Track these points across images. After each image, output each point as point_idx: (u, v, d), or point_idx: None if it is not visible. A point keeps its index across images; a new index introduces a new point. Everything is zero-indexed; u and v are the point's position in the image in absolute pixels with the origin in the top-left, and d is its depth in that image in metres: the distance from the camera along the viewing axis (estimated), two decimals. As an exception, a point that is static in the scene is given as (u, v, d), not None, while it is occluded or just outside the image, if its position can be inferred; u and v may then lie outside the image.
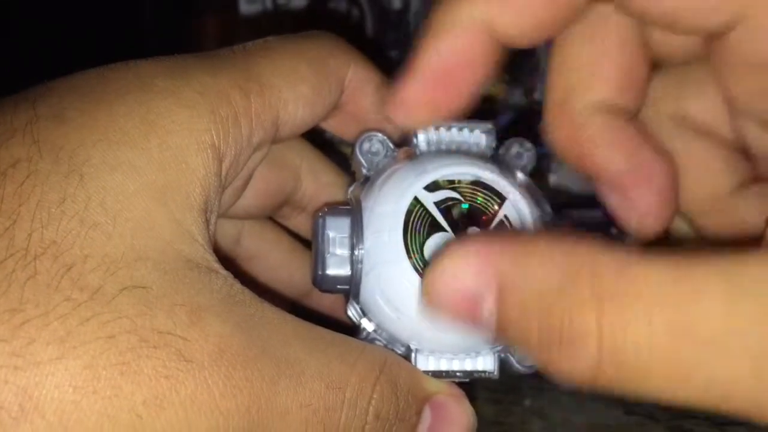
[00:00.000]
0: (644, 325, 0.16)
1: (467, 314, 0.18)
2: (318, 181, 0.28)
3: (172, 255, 0.20)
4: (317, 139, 0.29)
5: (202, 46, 0.24)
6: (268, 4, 0.52)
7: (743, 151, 0.22)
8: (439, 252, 0.18)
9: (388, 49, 0.54)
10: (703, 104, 0.22)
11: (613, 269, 0.16)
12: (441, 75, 0.21)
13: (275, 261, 0.29)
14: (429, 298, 0.18)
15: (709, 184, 0.22)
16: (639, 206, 0.21)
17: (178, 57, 0.23)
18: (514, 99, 0.52)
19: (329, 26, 0.51)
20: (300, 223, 0.30)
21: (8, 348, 0.17)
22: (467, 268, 0.17)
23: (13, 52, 0.49)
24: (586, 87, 0.21)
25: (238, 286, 0.21)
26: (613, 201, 0.22)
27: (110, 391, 0.17)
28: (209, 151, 0.21)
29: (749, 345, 0.15)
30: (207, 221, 0.21)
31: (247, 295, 0.21)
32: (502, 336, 0.18)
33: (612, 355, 0.16)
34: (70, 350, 0.17)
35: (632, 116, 0.22)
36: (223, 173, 0.22)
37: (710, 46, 0.19)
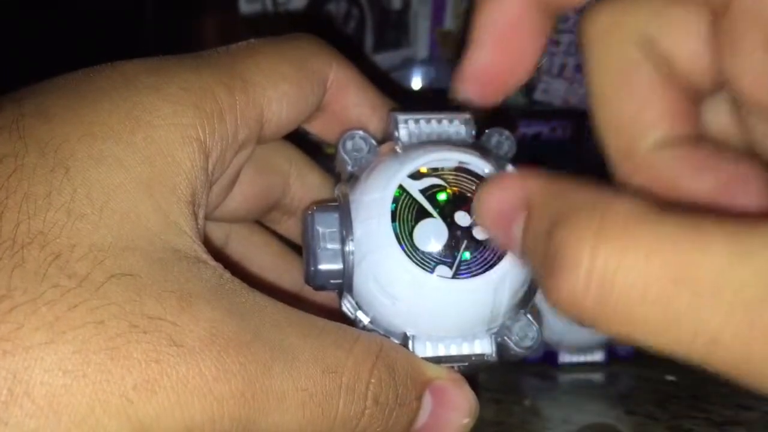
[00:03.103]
0: (640, 264, 0.16)
1: (503, 228, 0.19)
2: (306, 185, 0.28)
3: (159, 245, 0.20)
4: (303, 143, 0.29)
5: (202, 46, 0.24)
6: (268, 4, 0.52)
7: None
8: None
9: (388, 49, 0.54)
10: (714, 110, 0.22)
11: (623, 212, 0.16)
12: (503, 43, 0.21)
13: (263, 265, 0.29)
14: (477, 211, 0.21)
15: None
16: (749, 206, 0.21)
17: (162, 57, 0.23)
18: (515, 99, 0.52)
19: (329, 26, 0.52)
20: (289, 228, 0.30)
21: None
22: (508, 189, 0.19)
23: (13, 52, 0.49)
24: (642, 134, 0.21)
25: (227, 275, 0.21)
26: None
27: (100, 375, 0.17)
28: (195, 144, 0.21)
29: (745, 298, 0.15)
30: (195, 214, 0.21)
31: (237, 284, 0.21)
32: (523, 256, 0.19)
33: (599, 287, 0.16)
34: (59, 335, 0.17)
35: (697, 138, 0.21)
36: (210, 168, 0.22)
37: (713, 41, 0.19)
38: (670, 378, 0.37)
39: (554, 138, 0.49)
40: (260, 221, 0.30)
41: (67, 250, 0.18)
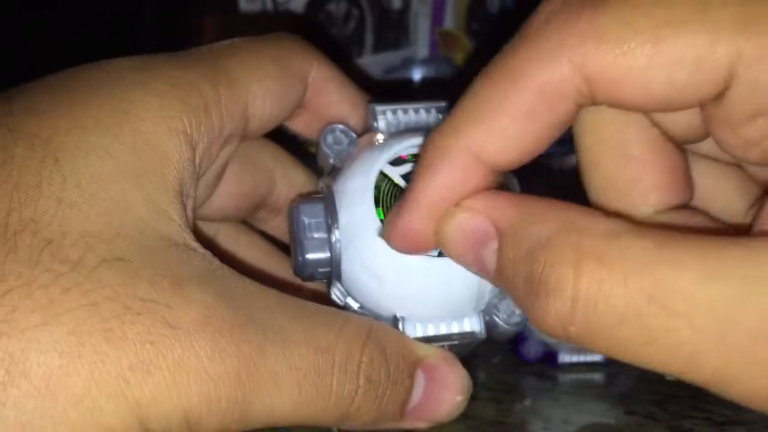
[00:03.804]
0: (619, 285, 0.16)
1: (473, 254, 0.20)
2: (291, 182, 0.29)
3: (149, 233, 0.20)
4: (286, 145, 0.29)
5: (202, 45, 0.25)
6: (268, 3, 0.52)
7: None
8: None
9: (388, 49, 0.54)
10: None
11: (600, 232, 0.17)
12: (436, 208, 0.21)
13: (250, 263, 0.30)
14: (439, 237, 0.20)
15: (722, 205, 0.22)
16: None
17: (148, 55, 0.24)
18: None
19: (328, 26, 0.51)
20: (276, 226, 0.30)
21: None
22: (478, 213, 0.20)
23: (13, 52, 0.49)
24: (640, 202, 0.21)
25: (217, 262, 0.21)
26: None
27: (96, 356, 0.18)
28: (181, 137, 0.22)
29: (718, 319, 0.16)
30: (183, 204, 0.22)
31: (226, 270, 0.21)
32: (499, 280, 0.19)
33: (584, 309, 0.17)
34: (54, 317, 0.18)
35: (690, 209, 0.22)
36: (197, 160, 0.22)
37: (707, 112, 0.19)
38: (670, 378, 0.37)
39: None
40: (247, 221, 0.30)
41: (58, 237, 0.19)
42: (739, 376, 0.16)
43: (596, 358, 0.39)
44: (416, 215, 0.21)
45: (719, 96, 0.18)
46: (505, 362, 0.40)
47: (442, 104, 0.26)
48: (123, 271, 0.19)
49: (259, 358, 0.19)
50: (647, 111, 0.20)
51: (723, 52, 0.17)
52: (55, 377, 0.17)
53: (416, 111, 0.25)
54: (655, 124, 0.20)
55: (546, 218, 0.18)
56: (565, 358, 0.39)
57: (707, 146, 0.21)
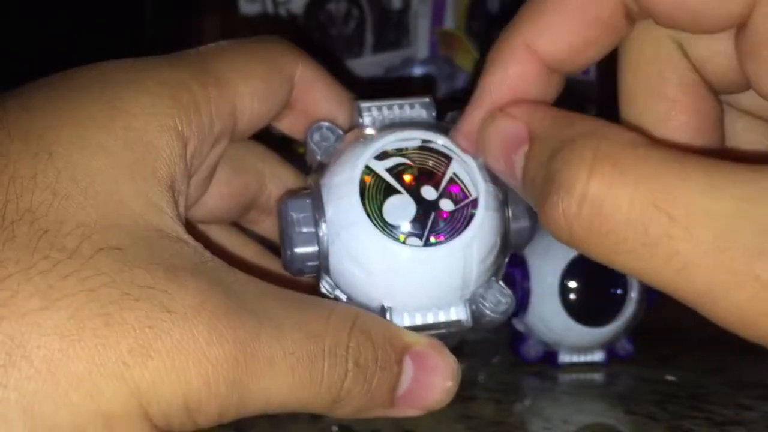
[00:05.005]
0: (627, 189, 0.17)
1: (505, 157, 0.21)
2: (282, 184, 0.29)
3: (142, 224, 0.20)
4: (276, 148, 0.29)
5: (202, 45, 0.25)
6: (268, 4, 0.52)
7: None
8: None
9: (388, 49, 0.54)
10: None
11: (621, 141, 0.18)
12: (497, 104, 0.22)
13: (241, 266, 0.30)
14: (480, 140, 0.22)
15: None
16: None
17: (138, 57, 0.24)
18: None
19: (329, 26, 0.51)
20: (267, 227, 0.30)
21: None
22: (516, 118, 0.21)
23: (13, 52, 0.50)
24: (667, 138, 0.22)
25: (208, 254, 0.21)
26: None
27: (96, 340, 0.18)
28: (172, 133, 0.22)
29: (716, 231, 0.16)
30: (174, 199, 0.22)
31: (218, 262, 0.21)
32: (523, 184, 0.21)
33: (590, 208, 0.18)
34: (53, 302, 0.18)
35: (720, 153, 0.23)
36: (188, 157, 0.23)
37: (737, 46, 0.20)
38: (670, 378, 0.37)
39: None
40: (238, 223, 0.30)
41: (55, 227, 0.19)
42: (728, 292, 0.16)
43: (596, 358, 0.39)
44: (479, 114, 0.22)
45: (743, 25, 0.19)
46: (505, 362, 0.40)
47: (426, 99, 0.26)
48: (119, 259, 0.19)
49: (255, 342, 0.20)
50: (677, 25, 0.21)
51: None
52: (56, 360, 0.17)
53: (400, 107, 0.26)
54: (696, 70, 0.22)
55: (575, 125, 0.19)
56: (565, 358, 0.39)
57: (747, 101, 0.22)
